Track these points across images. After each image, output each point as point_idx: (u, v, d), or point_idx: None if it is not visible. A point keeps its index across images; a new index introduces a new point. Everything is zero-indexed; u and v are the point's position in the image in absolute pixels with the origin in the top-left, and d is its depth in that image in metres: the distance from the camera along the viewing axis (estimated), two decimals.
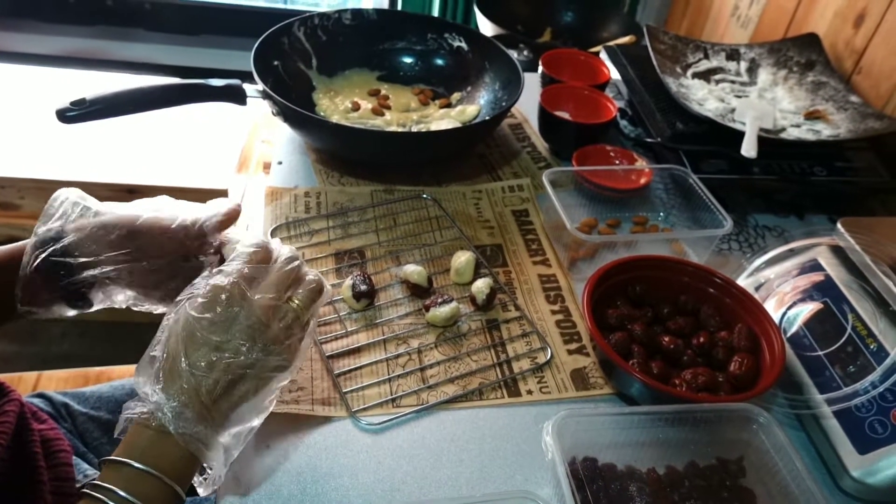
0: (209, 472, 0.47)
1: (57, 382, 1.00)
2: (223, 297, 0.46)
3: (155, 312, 0.58)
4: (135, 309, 0.58)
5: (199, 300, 0.46)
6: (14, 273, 0.54)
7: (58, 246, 0.54)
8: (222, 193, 1.45)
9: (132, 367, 1.03)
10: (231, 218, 0.57)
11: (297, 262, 0.51)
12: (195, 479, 0.47)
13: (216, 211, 0.57)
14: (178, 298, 0.48)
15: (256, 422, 0.49)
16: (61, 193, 0.57)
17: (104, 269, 0.54)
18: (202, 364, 0.45)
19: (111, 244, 0.54)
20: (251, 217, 1.47)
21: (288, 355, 0.48)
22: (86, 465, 0.71)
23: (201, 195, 0.56)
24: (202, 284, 0.47)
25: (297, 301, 0.49)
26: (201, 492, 0.48)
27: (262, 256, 0.50)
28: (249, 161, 1.60)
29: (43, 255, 0.53)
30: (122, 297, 0.57)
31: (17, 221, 1.46)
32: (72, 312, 0.58)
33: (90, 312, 0.59)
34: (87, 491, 0.43)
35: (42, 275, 0.54)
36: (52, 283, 0.55)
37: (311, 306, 0.51)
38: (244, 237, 0.54)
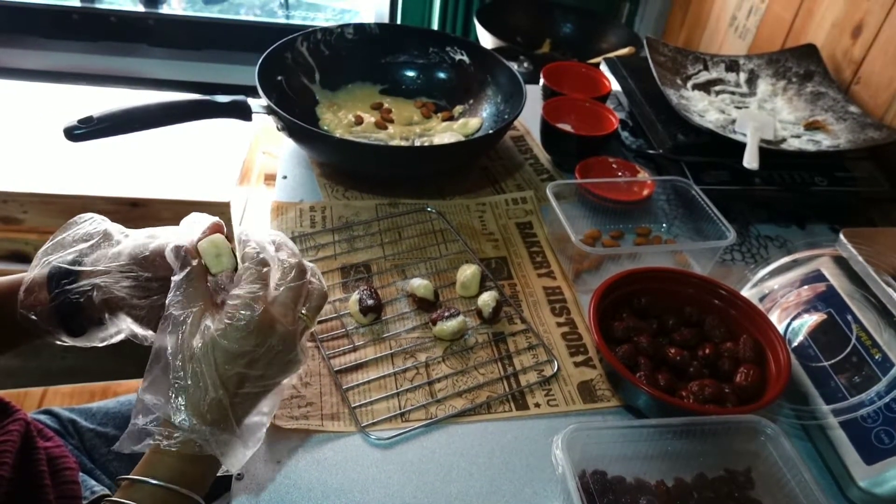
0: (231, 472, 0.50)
1: (62, 398, 1.00)
2: (260, 328, 0.47)
3: None
4: None
5: (237, 331, 0.46)
6: (13, 305, 0.54)
7: (75, 286, 0.54)
8: (224, 206, 1.45)
9: (137, 381, 1.03)
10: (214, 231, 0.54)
11: (303, 280, 0.51)
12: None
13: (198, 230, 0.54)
14: (171, 313, 0.47)
15: (268, 419, 0.52)
16: (83, 216, 0.57)
17: (120, 296, 0.54)
18: (236, 390, 0.47)
19: (134, 281, 0.55)
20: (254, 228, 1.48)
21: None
22: (93, 482, 0.71)
23: (203, 208, 0.55)
24: (230, 307, 0.47)
25: (305, 316, 0.52)
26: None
27: (267, 273, 0.50)
28: (251, 173, 1.61)
29: (59, 292, 0.54)
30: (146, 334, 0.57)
31: (20, 236, 1.47)
32: (101, 342, 0.58)
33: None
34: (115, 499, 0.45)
35: (58, 305, 0.54)
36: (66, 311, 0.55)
37: (317, 316, 0.53)
38: (252, 241, 0.51)
